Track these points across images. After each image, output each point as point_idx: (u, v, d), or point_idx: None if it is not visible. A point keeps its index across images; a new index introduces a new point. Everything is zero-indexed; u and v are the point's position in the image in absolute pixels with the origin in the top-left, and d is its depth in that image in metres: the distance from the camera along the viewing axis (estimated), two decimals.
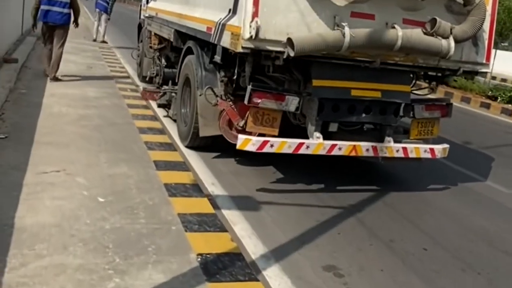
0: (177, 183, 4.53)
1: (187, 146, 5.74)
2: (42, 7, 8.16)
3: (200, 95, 5.19)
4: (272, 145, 4.44)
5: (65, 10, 8.29)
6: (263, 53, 4.26)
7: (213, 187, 4.78)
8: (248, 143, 4.42)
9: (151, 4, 8.57)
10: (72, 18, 8.51)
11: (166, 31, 7.01)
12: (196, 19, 5.49)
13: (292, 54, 4.09)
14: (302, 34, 4.17)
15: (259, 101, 4.43)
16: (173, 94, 6.72)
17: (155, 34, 7.99)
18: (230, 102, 4.99)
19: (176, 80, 6.55)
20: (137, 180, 4.47)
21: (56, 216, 3.56)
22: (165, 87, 7.18)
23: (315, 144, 4.57)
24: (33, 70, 9.20)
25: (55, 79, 8.34)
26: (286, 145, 4.47)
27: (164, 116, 7.20)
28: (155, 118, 6.92)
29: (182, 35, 6.28)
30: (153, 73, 8.35)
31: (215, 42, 4.78)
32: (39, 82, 8.13)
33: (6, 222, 3.37)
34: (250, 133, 4.65)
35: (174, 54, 7.24)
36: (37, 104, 6.67)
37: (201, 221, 3.82)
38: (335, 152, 4.63)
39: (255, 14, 4.11)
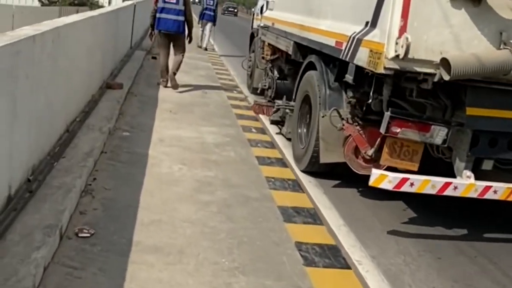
0: None
1: (303, 171, 5.10)
2: (158, 15, 8.05)
3: (323, 116, 4.63)
4: (412, 184, 3.75)
5: (180, 18, 8.10)
6: (408, 74, 3.68)
7: None
8: (383, 180, 3.75)
9: (266, 14, 7.83)
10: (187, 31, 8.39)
11: (283, 43, 6.44)
12: (322, 32, 4.90)
13: (447, 77, 3.44)
14: (458, 53, 3.52)
15: (398, 130, 3.82)
16: (287, 110, 6.13)
17: (269, 44, 7.46)
18: (358, 127, 4.40)
19: (293, 96, 5.90)
20: None
21: None
22: (278, 102, 6.51)
23: (465, 184, 3.83)
24: (140, 97, 7.60)
25: (175, 86, 8.35)
26: (429, 184, 3.77)
27: (277, 133, 6.39)
28: (297, 184, 4.86)
29: (302, 48, 5.70)
30: (265, 85, 7.90)
31: (347, 60, 4.22)
32: (146, 118, 6.44)
33: None
34: (377, 164, 4.10)
35: (288, 66, 6.83)
36: (141, 158, 4.90)
37: None
38: (488, 195, 3.86)
39: (403, 29, 3.50)
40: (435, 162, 4.23)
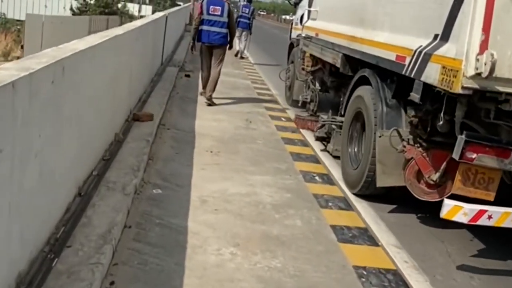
0: None
1: (355, 194, 4.74)
2: (201, 27, 7.82)
3: (380, 136, 4.22)
4: (490, 217, 3.32)
5: (224, 30, 7.87)
6: (488, 94, 3.25)
7: None
8: (457, 212, 3.32)
9: (308, 24, 7.30)
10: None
11: (329, 55, 6.04)
12: (379, 44, 4.49)
13: None
14: None
15: (474, 156, 3.45)
16: (334, 126, 5.78)
17: (310, 55, 7.10)
18: (420, 149, 3.98)
19: (341, 112, 5.66)
20: None
21: None
22: (323, 117, 6.10)
23: None
24: (173, 131, 6.27)
25: (210, 101, 7.91)
26: (510, 217, 3.33)
27: (321, 150, 6.05)
28: (400, 279, 3.40)
29: (353, 60, 5.35)
30: (306, 98, 7.48)
31: (412, 76, 3.81)
32: (181, 163, 5.09)
33: None
34: (442, 190, 3.88)
35: (331, 79, 6.52)
36: (177, 236, 3.52)
37: None
38: None
39: (484, 44, 3.11)
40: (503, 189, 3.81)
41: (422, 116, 3.97)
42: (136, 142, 5.20)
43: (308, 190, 4.82)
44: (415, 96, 3.82)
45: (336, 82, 6.40)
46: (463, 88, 3.20)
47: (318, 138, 6.11)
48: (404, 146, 4.05)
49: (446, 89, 3.36)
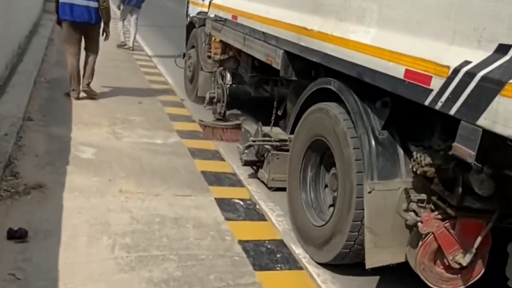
0: None
1: (322, 263, 3.44)
2: (62, 0, 6.18)
3: (370, 192, 2.89)
4: None
5: (92, 4, 6.24)
6: None
7: None
8: None
9: (219, 1, 5.88)
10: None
11: (260, 49, 4.54)
12: (364, 48, 3.01)
13: None
14: None
15: None
16: (268, 146, 4.48)
17: (221, 40, 5.68)
18: (441, 217, 2.72)
19: (287, 131, 4.23)
20: None
21: None
22: (248, 130, 4.87)
23: None
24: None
25: (89, 90, 6.52)
26: None
27: (249, 176, 4.77)
28: None
29: (302, 62, 3.96)
30: (213, 95, 6.08)
31: (453, 114, 2.34)
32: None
33: None
34: (467, 276, 2.85)
35: (252, 73, 5.33)
36: None
37: None
38: None
39: None
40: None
41: (442, 165, 2.62)
42: None
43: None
44: (464, 151, 2.32)
45: (258, 78, 5.37)
46: None
47: (246, 163, 4.79)
48: (418, 215, 2.77)
49: None
